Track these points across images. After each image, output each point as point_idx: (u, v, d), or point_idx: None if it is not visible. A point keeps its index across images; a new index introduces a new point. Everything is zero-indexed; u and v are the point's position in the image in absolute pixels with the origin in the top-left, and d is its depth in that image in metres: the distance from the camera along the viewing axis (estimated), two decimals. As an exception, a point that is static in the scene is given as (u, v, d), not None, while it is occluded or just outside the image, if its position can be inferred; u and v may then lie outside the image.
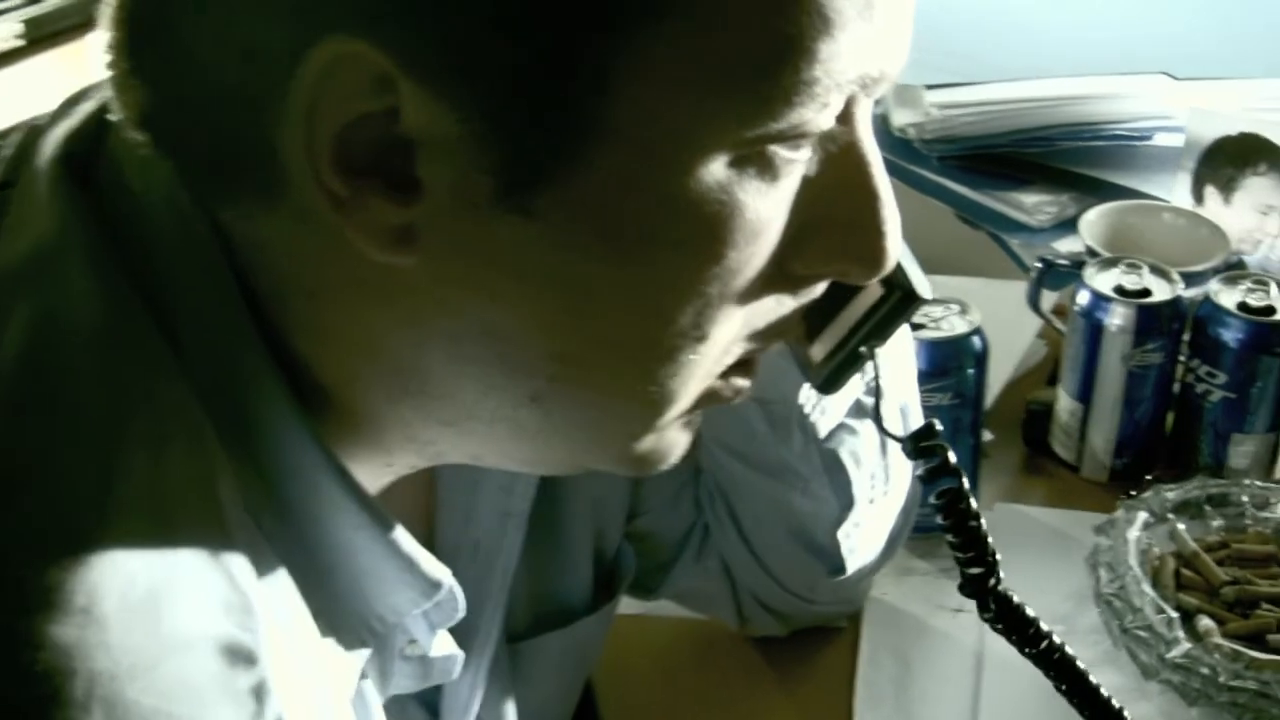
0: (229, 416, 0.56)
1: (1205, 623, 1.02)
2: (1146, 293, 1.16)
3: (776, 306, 0.61)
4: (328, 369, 0.59)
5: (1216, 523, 1.12)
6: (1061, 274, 1.29)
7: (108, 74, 0.56)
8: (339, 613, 0.61)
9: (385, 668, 0.69)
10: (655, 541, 1.01)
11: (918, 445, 0.78)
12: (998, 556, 0.80)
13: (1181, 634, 0.99)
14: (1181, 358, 1.19)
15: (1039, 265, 1.29)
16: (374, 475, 0.64)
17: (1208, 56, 1.50)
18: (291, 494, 0.58)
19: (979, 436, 1.16)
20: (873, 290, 0.72)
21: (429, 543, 0.77)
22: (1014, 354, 1.34)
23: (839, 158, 0.58)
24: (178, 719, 0.49)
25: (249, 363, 0.57)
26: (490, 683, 0.81)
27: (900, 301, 0.72)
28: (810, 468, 0.94)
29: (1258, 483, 1.14)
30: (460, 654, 0.73)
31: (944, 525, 0.80)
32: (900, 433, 0.83)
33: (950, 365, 1.10)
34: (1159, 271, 1.18)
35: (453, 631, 0.71)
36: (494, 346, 0.57)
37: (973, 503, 0.79)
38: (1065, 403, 1.22)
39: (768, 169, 0.55)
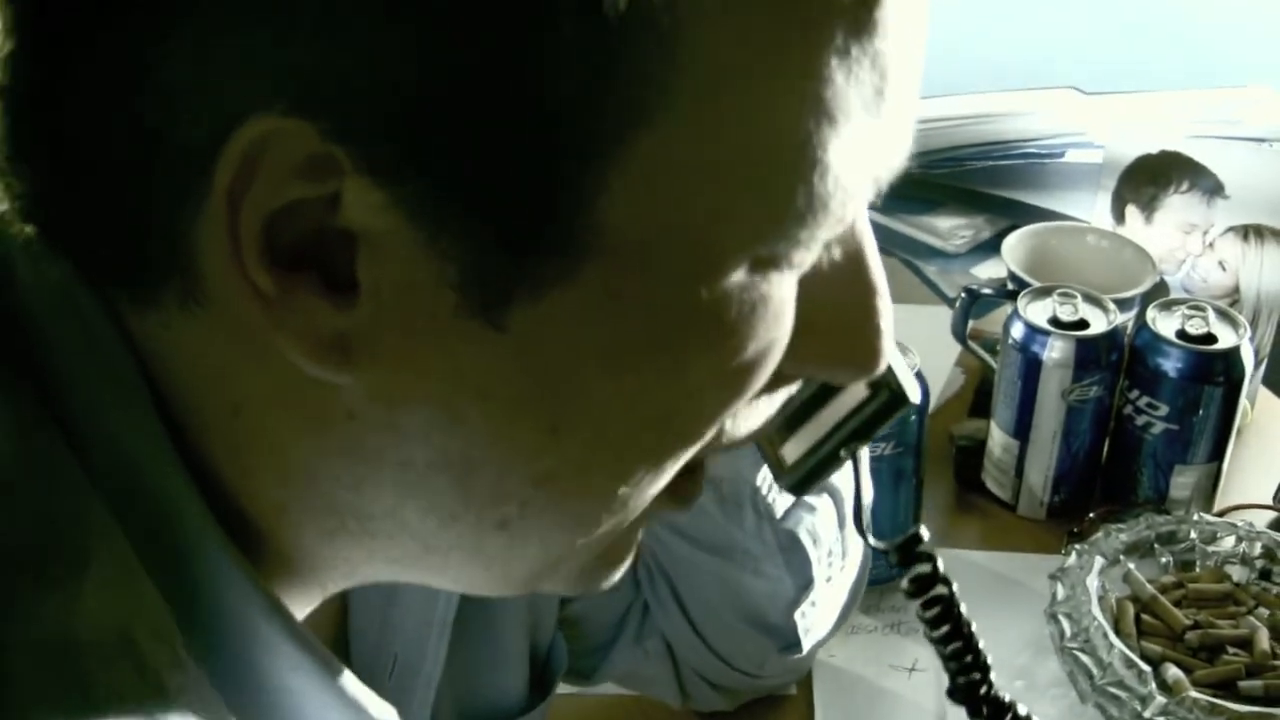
0: (152, 548, 0.48)
1: (1174, 673, 0.98)
2: (1083, 324, 1.11)
3: (752, 405, 0.53)
4: (254, 498, 0.50)
5: (1165, 559, 1.09)
6: (988, 303, 1.24)
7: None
8: None
9: None
10: (590, 625, 0.94)
11: (906, 555, 0.73)
12: (990, 660, 0.76)
13: (1155, 688, 0.94)
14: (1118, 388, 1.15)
15: (964, 296, 1.24)
16: (303, 604, 0.56)
17: (1116, 69, 1.47)
18: (223, 633, 0.50)
19: (921, 483, 1.10)
20: (856, 388, 0.65)
21: (342, 655, 0.68)
22: (935, 384, 1.30)
23: (834, 246, 0.51)
24: None
25: (171, 489, 0.49)
26: None
27: (887, 404, 0.65)
28: (764, 547, 0.88)
29: (1205, 517, 1.11)
30: None
31: (935, 637, 0.75)
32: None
33: (892, 412, 1.04)
34: (1093, 300, 1.13)
35: None
36: (457, 477, 0.48)
37: (964, 609, 0.74)
38: (999, 439, 1.18)
39: (786, 263, 0.47)
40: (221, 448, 0.49)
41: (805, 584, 0.89)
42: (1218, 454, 1.14)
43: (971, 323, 1.29)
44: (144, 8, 0.41)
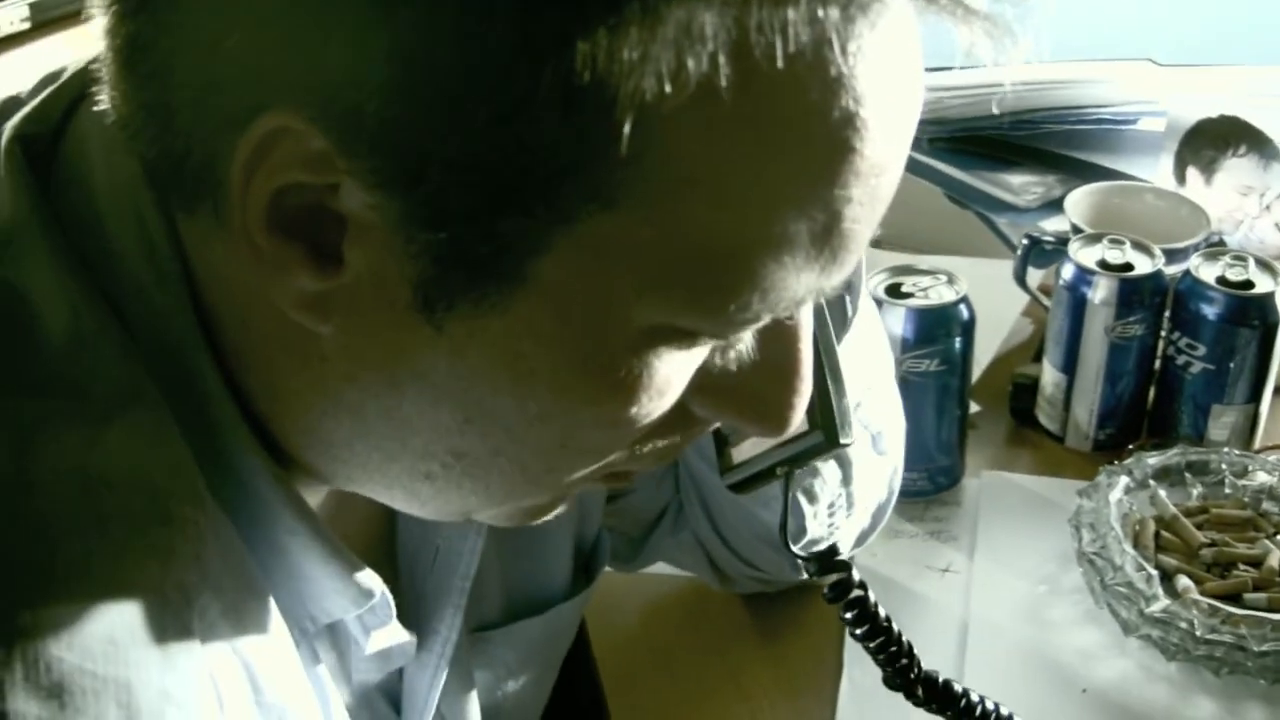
0: (184, 414, 0.58)
1: (1184, 582, 1.05)
2: (1129, 267, 1.19)
3: (669, 434, 0.62)
4: (252, 397, 0.60)
5: (1196, 490, 1.15)
6: (1047, 251, 1.32)
7: (105, 60, 0.55)
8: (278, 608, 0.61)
9: (344, 660, 0.71)
10: (633, 517, 1.03)
11: (823, 566, 0.82)
12: (913, 648, 0.85)
13: (1161, 590, 1.02)
14: (1163, 332, 1.23)
15: (1025, 242, 1.33)
16: (304, 488, 0.64)
17: (1191, 43, 1.54)
18: (240, 493, 0.59)
19: (965, 405, 1.19)
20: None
21: (389, 546, 0.79)
22: (1000, 330, 1.38)
23: (766, 325, 0.58)
24: None
25: (201, 370, 0.58)
26: (452, 676, 0.82)
27: (817, 445, 0.74)
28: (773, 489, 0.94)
29: (1236, 451, 1.17)
30: (412, 638, 0.74)
31: (858, 635, 0.84)
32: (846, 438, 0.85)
33: (937, 333, 1.13)
34: (1141, 247, 1.21)
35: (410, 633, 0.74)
36: (394, 430, 0.58)
37: (881, 610, 0.83)
38: (1050, 375, 1.26)
39: (688, 339, 0.55)
40: (232, 349, 0.59)
41: (801, 532, 0.95)
42: (1254, 396, 1.21)
43: (1040, 275, 1.37)
44: None
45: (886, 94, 0.51)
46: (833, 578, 0.82)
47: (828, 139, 0.50)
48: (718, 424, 0.66)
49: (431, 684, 0.79)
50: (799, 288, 0.53)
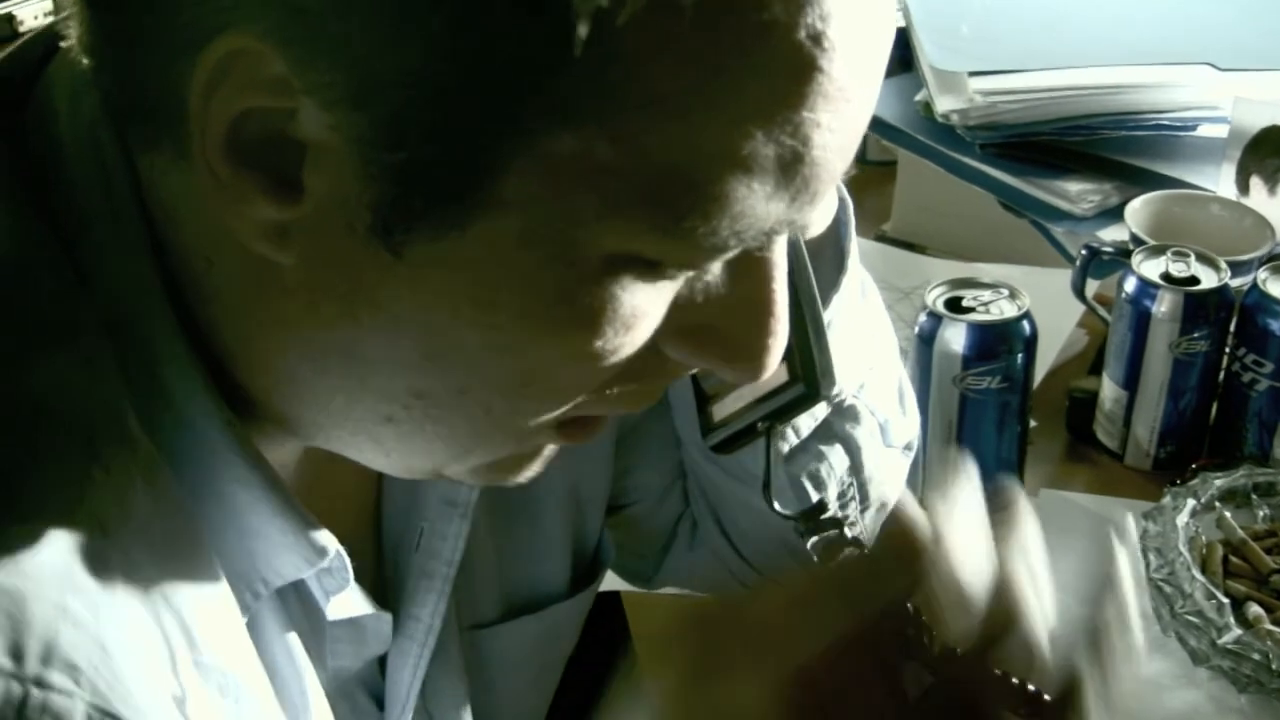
0: (129, 353, 0.57)
1: (1255, 610, 1.02)
2: (1194, 280, 1.16)
3: (641, 379, 0.60)
4: (214, 339, 0.59)
5: (1263, 511, 1.12)
6: (1106, 262, 1.29)
7: None
8: (227, 570, 0.60)
9: (316, 627, 0.69)
10: (647, 530, 1.00)
11: (811, 525, 0.77)
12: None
13: (1233, 620, 0.99)
14: (1227, 347, 1.19)
15: (1084, 252, 1.29)
16: (270, 444, 0.63)
17: (1252, 47, 1.50)
18: (186, 441, 0.58)
19: (1026, 422, 1.16)
20: (779, 371, 0.70)
21: (374, 527, 0.77)
22: (1056, 341, 1.35)
23: (739, 262, 0.57)
24: None
25: (151, 311, 0.57)
26: (439, 673, 0.81)
27: (799, 396, 0.71)
28: (778, 481, 0.90)
29: (1305, 472, 1.14)
30: (383, 613, 0.73)
31: None
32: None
33: (999, 349, 1.10)
34: (1206, 260, 1.18)
35: (396, 620, 0.73)
36: (354, 368, 0.57)
37: None
38: (1110, 390, 1.22)
39: (655, 271, 0.54)
40: (195, 288, 0.58)
41: None
42: (1323, 414, 1.18)
43: (1097, 285, 1.33)
44: None
45: (854, 17, 0.50)
46: (823, 537, 0.77)
47: (793, 57, 0.49)
48: (693, 371, 0.64)
49: (414, 676, 0.78)
50: (768, 216, 0.52)
